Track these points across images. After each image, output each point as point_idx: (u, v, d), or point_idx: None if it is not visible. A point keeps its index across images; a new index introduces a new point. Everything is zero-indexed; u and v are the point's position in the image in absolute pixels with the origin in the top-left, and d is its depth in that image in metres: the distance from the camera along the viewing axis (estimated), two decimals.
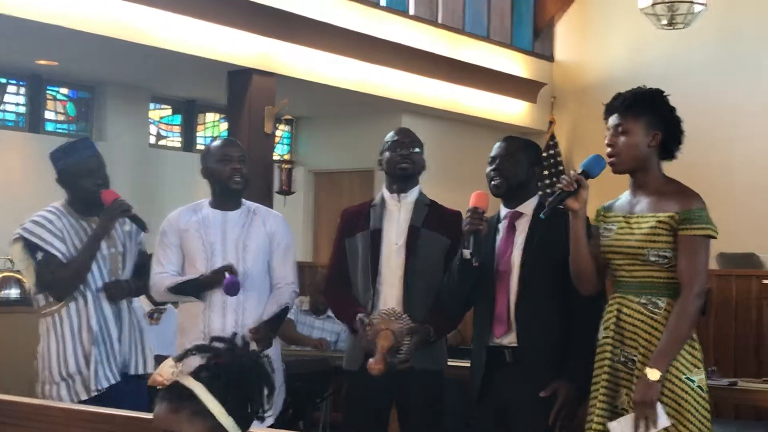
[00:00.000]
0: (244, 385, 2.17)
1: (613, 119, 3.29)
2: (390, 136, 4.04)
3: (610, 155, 3.28)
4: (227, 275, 3.95)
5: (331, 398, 6.79)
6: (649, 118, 3.24)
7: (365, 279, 3.93)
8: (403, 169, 3.96)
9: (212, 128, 11.50)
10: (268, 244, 4.15)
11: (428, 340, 3.81)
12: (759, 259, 9.65)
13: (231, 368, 2.16)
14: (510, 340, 3.62)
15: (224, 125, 11.07)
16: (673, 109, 3.29)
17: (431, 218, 3.95)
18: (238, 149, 4.20)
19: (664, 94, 3.30)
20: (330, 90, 9.67)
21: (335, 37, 9.36)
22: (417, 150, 4.00)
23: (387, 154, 4.01)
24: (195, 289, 4.06)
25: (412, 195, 4.00)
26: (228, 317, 4.05)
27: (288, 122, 11.52)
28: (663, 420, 3.05)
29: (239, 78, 9.01)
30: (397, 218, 3.97)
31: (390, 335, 3.69)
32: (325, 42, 9.31)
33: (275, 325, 4.10)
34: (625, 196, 3.33)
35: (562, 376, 3.52)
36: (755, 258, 9.61)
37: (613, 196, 3.42)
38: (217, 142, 4.27)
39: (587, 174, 3.30)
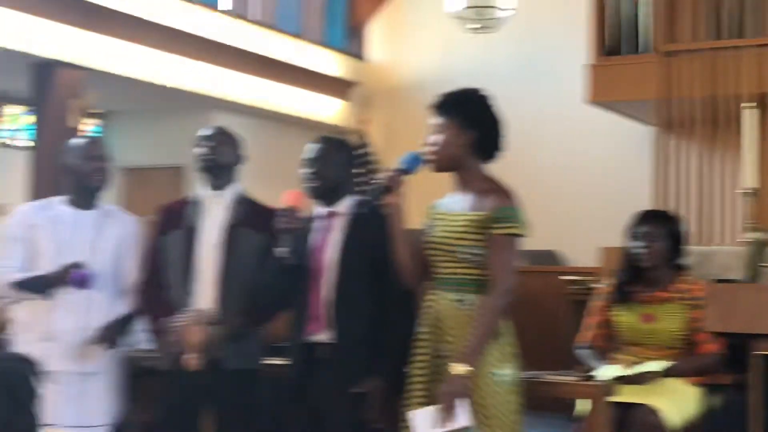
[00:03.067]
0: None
1: (433, 118, 3.37)
2: (200, 132, 4.02)
3: (429, 153, 3.36)
4: (74, 270, 3.85)
5: (140, 399, 6.65)
6: (462, 117, 3.31)
7: (180, 278, 3.87)
8: (205, 161, 3.93)
9: (14, 121, 11.04)
10: (120, 247, 4.06)
11: (241, 332, 3.79)
12: (559, 256, 10.08)
13: None
14: (324, 336, 3.64)
15: (27, 118, 10.64)
16: (488, 110, 3.35)
17: (248, 216, 3.92)
18: (101, 148, 4.12)
19: (483, 94, 3.37)
20: (140, 84, 9.47)
21: (145, 30, 9.17)
22: (222, 143, 3.96)
23: (196, 150, 3.98)
24: (40, 286, 3.93)
25: (229, 192, 3.97)
26: (75, 318, 3.94)
27: (97, 116, 11.18)
28: (463, 419, 3.12)
29: (44, 70, 8.70)
30: (213, 215, 3.92)
31: (201, 330, 3.68)
32: (135, 35, 9.11)
33: (121, 327, 4.02)
34: (451, 194, 3.40)
35: (371, 373, 3.56)
36: (556, 255, 10.03)
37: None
38: (80, 139, 4.19)
39: (405, 171, 3.36)
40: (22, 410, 2.19)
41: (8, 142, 11.05)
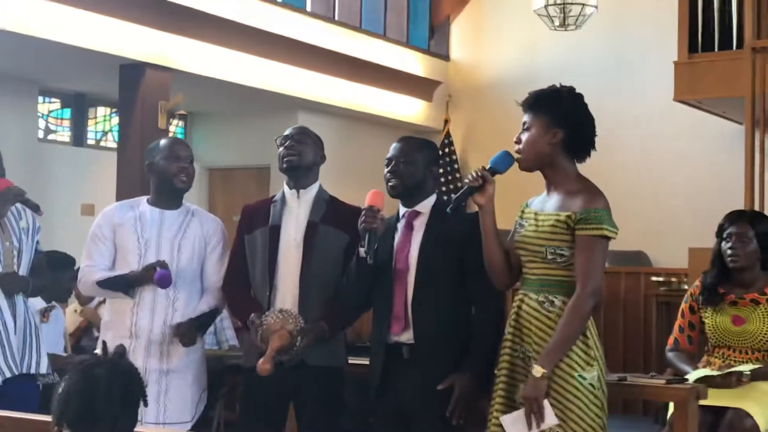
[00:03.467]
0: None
1: (523, 117, 3.34)
2: (283, 133, 4.05)
3: (516, 152, 3.33)
4: (158, 269, 3.91)
5: (224, 397, 6.72)
6: (550, 115, 3.26)
7: (263, 275, 3.90)
8: (288, 161, 3.96)
9: (103, 123, 11.26)
10: (203, 246, 4.12)
11: (323, 337, 3.80)
12: (647, 257, 9.92)
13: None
14: (407, 336, 3.63)
15: (116, 120, 10.85)
16: (577, 108, 3.30)
17: (330, 214, 3.94)
18: (186, 149, 4.18)
19: (573, 92, 3.32)
20: (225, 85, 9.58)
21: (231, 32, 9.27)
22: (304, 143, 3.98)
23: (279, 150, 4.01)
24: (125, 284, 4.00)
25: (311, 191, 3.99)
26: (157, 316, 4.00)
27: (182, 117, 11.35)
28: (550, 417, 3.09)
29: (132, 72, 8.85)
30: (296, 214, 3.95)
31: (285, 335, 3.69)
32: (221, 37, 9.22)
33: (202, 324, 4.06)
34: (543, 193, 3.37)
35: (459, 369, 3.54)
36: (643, 256, 9.88)
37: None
38: (165, 140, 4.24)
39: (494, 170, 3.33)
40: (125, 414, 2.28)
41: (99, 143, 11.27)
